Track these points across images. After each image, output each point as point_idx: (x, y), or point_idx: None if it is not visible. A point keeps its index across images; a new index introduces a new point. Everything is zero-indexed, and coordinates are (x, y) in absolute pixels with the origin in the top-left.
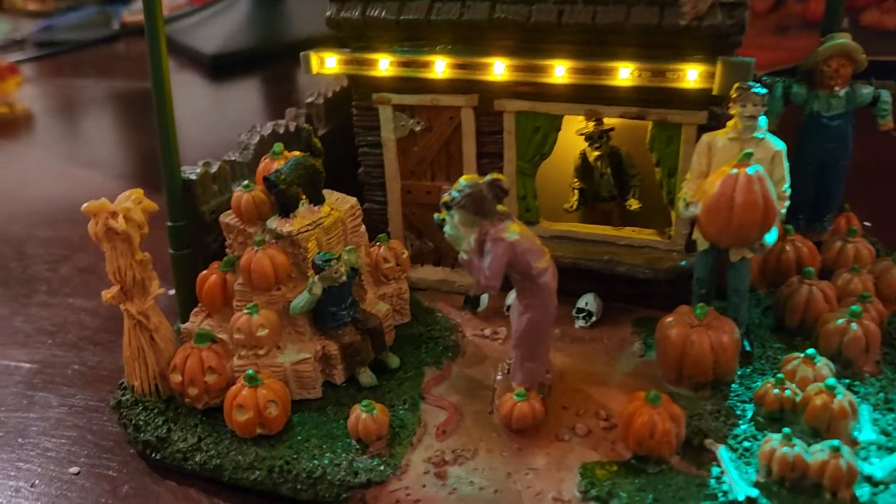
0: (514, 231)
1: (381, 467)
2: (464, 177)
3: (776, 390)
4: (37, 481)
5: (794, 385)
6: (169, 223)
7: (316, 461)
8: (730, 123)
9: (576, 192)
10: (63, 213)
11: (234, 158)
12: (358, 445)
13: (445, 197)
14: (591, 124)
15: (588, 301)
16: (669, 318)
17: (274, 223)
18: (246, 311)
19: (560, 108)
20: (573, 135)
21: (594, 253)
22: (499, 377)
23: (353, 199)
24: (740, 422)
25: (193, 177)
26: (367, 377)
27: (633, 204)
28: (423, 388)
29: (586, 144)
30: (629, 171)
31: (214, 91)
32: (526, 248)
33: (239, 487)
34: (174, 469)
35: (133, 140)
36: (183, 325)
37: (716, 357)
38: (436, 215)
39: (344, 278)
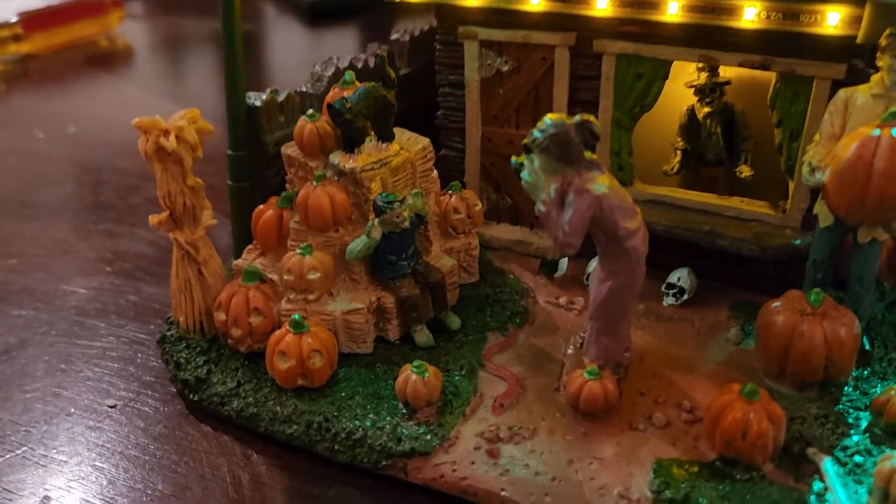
0: (602, 183)
1: (428, 436)
2: (549, 115)
3: None
4: (73, 409)
5: None
6: (229, 152)
7: (357, 422)
8: (874, 77)
9: (678, 152)
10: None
11: (304, 89)
12: (405, 410)
13: (526, 138)
14: (704, 75)
15: (681, 276)
16: (777, 303)
17: (337, 158)
18: (298, 251)
19: (670, 52)
20: (681, 86)
21: (693, 222)
22: (570, 351)
23: (426, 140)
24: (852, 432)
25: (258, 103)
26: (423, 336)
27: (744, 171)
28: (483, 355)
29: (695, 99)
30: (742, 133)
31: (311, 38)
32: (614, 204)
33: (274, 440)
34: (210, 413)
35: None
36: (235, 262)
37: (829, 353)
38: (513, 158)
39: (406, 224)
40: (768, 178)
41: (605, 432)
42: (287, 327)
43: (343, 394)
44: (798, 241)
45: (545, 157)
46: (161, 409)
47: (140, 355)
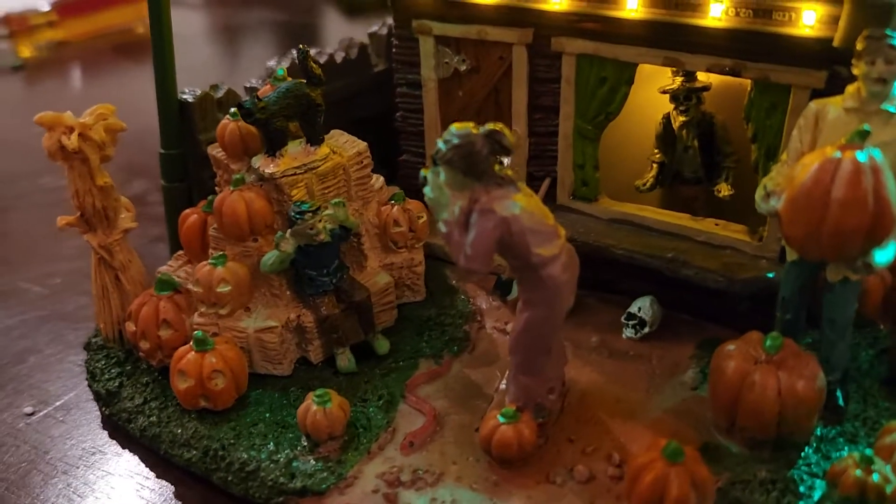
0: (515, 203)
1: (324, 474)
2: (456, 124)
3: (858, 471)
4: None
5: (887, 467)
6: (161, 150)
7: (254, 452)
8: (850, 88)
9: (654, 166)
10: (136, 141)
11: (252, 84)
12: (307, 442)
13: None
14: (679, 79)
15: (642, 307)
16: (731, 346)
17: (258, 161)
18: (210, 261)
19: (632, 53)
20: (657, 93)
21: (657, 247)
22: (502, 386)
23: (363, 144)
24: (800, 503)
25: (190, 99)
26: (344, 360)
27: (724, 190)
28: (407, 385)
29: (672, 106)
30: (724, 148)
31: (348, 29)
32: (526, 226)
33: (175, 465)
34: (121, 429)
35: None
36: (160, 269)
37: (783, 408)
38: (422, 171)
39: (323, 237)
40: (751, 201)
41: (517, 483)
42: (191, 344)
43: (248, 419)
44: (771, 275)
45: (450, 170)
46: (77, 420)
47: (71, 362)
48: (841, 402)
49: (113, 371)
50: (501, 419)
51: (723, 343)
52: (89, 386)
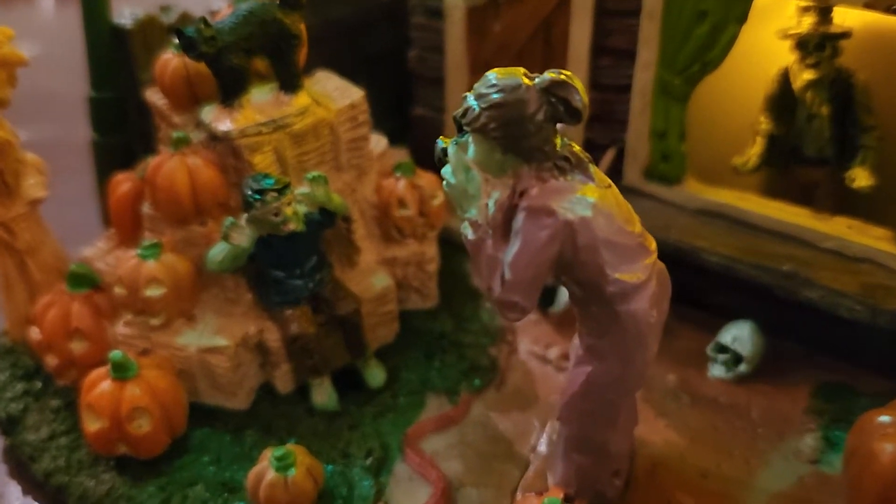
0: (585, 199)
1: None
2: (498, 70)
3: None
4: None
5: None
6: (91, 94)
7: None
8: None
9: (760, 139)
10: None
11: (217, 8)
12: None
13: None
14: (808, 21)
15: (738, 336)
16: (884, 417)
17: (210, 114)
18: (139, 251)
19: None
20: (773, 37)
21: (767, 255)
22: (542, 447)
23: (358, 94)
24: None
25: (128, 25)
26: (322, 395)
27: (860, 178)
28: (409, 434)
29: (794, 58)
30: (862, 119)
31: None
32: (601, 237)
33: None
34: (26, 466)
35: None
36: (85, 254)
37: None
38: (440, 141)
39: (294, 226)
40: None
41: None
42: (107, 369)
43: (184, 474)
44: None
45: (484, 143)
46: None
47: None
48: None
49: (17, 387)
50: None
51: (866, 414)
52: None
